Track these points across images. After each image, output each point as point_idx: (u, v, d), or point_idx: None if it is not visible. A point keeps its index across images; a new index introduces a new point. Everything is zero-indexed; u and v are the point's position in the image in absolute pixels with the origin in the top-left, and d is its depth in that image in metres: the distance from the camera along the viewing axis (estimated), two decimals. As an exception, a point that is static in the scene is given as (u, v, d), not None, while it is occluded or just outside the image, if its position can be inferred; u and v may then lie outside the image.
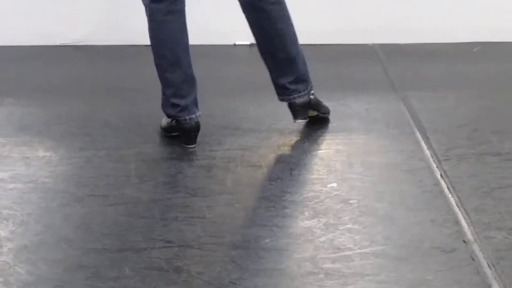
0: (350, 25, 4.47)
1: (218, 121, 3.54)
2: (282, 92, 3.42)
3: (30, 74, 4.05)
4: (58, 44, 4.39)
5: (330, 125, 3.49)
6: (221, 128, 3.46)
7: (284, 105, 3.62)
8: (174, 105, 3.23)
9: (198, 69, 3.60)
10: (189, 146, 3.27)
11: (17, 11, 4.39)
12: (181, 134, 3.29)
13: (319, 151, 3.25)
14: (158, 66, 3.24)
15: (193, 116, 3.24)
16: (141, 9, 4.21)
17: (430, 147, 3.25)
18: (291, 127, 3.45)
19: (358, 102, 3.72)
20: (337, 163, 3.14)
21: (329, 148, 3.29)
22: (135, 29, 4.34)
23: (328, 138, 3.37)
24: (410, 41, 4.47)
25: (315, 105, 3.50)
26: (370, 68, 4.17)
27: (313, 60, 4.21)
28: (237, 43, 4.46)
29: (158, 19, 3.20)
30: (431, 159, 3.15)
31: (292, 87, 3.41)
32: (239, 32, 4.42)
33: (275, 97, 3.69)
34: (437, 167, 3.09)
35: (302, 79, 3.44)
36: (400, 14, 4.49)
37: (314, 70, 4.09)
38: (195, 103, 3.26)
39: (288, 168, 3.09)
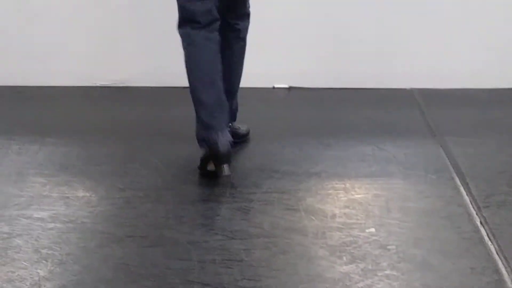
0: (388, 70, 4.49)
1: (256, 163, 3.55)
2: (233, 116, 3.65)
3: (71, 115, 4.10)
4: (99, 85, 4.45)
5: (369, 169, 3.48)
6: (258, 171, 3.47)
7: (320, 149, 3.64)
8: (208, 127, 3.29)
9: (238, 111, 3.64)
10: (225, 173, 3.30)
11: (59, 52, 4.46)
12: (214, 161, 3.31)
13: (357, 196, 3.24)
14: (193, 88, 3.34)
15: (226, 138, 3.30)
16: (180, 52, 4.27)
17: (469, 193, 3.23)
18: (329, 170, 3.45)
19: (397, 146, 3.72)
20: (375, 208, 3.12)
21: (367, 193, 3.28)
22: (174, 72, 4.40)
23: (366, 183, 3.36)
24: (448, 86, 4.47)
25: (231, 135, 3.42)
26: (408, 113, 4.17)
27: (352, 104, 4.25)
28: (276, 86, 4.49)
29: (197, 44, 3.32)
30: (470, 206, 3.13)
31: (234, 114, 3.65)
32: (278, 75, 4.49)
33: (314, 140, 3.72)
34: (476, 213, 3.06)
35: (231, 112, 3.60)
36: (438, 59, 4.50)
37: (353, 113, 4.12)
38: (226, 127, 3.38)
39: (326, 212, 3.08)
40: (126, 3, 4.49)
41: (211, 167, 3.34)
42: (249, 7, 3.58)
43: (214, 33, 3.33)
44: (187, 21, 3.31)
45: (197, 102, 3.33)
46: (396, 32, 4.47)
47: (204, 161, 3.37)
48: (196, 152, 3.37)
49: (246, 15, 3.58)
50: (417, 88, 4.45)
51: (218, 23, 3.33)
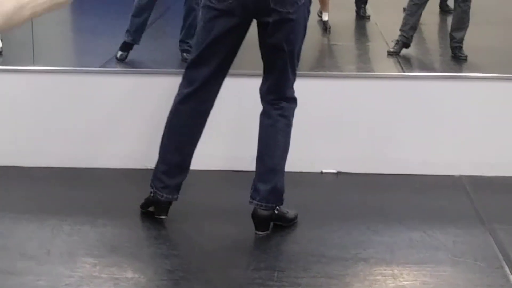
0: (436, 156, 4.49)
1: (304, 248, 3.57)
2: (254, 195, 3.66)
3: (122, 196, 4.15)
4: (150, 167, 4.51)
5: (417, 256, 3.47)
6: (306, 255, 3.48)
7: (368, 235, 3.65)
8: (160, 181, 3.76)
9: (286, 195, 3.68)
10: (160, 216, 3.78)
11: (111, 135, 4.55)
12: (155, 207, 3.81)
13: (406, 283, 3.23)
14: (163, 144, 3.79)
15: (170, 197, 3.77)
16: (231, 137, 4.35)
17: (519, 282, 3.20)
18: (377, 256, 3.45)
19: (445, 234, 3.70)
20: (424, 295, 3.11)
21: (415, 280, 3.26)
22: (222, 156, 4.48)
23: (414, 270, 3.35)
24: (496, 174, 4.46)
25: (278, 218, 3.70)
26: (457, 200, 4.16)
27: (400, 189, 4.25)
28: (324, 171, 4.52)
29: (180, 111, 3.73)
30: (520, 295, 3.10)
31: (264, 194, 3.63)
32: (325, 160, 4.52)
33: (362, 225, 3.73)
34: (526, 303, 3.03)
35: (276, 193, 3.65)
36: (487, 147, 4.50)
37: (401, 199, 4.12)
38: (178, 188, 3.77)
39: (374, 298, 3.08)
40: (175, 88, 4.58)
41: (151, 208, 3.83)
42: (292, 92, 3.66)
43: (202, 104, 3.71)
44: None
45: (161, 157, 3.79)
46: (443, 119, 4.50)
47: (146, 203, 3.85)
48: (245, 234, 3.41)
49: (290, 99, 3.67)
50: (465, 175, 4.44)
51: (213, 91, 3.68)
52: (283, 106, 3.65)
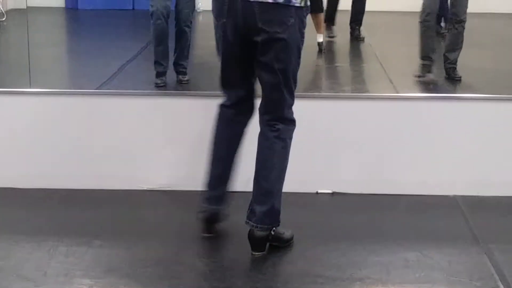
0: (431, 177, 4.51)
1: (299, 268, 3.58)
2: (251, 216, 3.67)
3: (118, 217, 4.17)
4: (145, 188, 4.53)
5: (413, 276, 3.48)
6: (302, 276, 3.49)
7: (364, 255, 3.66)
8: (203, 194, 3.87)
9: (281, 215, 3.69)
10: (205, 234, 3.85)
11: (107, 156, 4.56)
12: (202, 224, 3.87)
13: (401, 302, 3.24)
14: (208, 157, 3.87)
15: (210, 207, 3.82)
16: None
17: (514, 301, 3.22)
18: (373, 276, 3.46)
19: (440, 253, 3.72)
20: (420, 314, 3.12)
21: (411, 299, 3.28)
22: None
23: (410, 289, 3.36)
24: (492, 193, 4.48)
25: (275, 239, 3.71)
26: (452, 220, 4.17)
27: (396, 210, 4.27)
28: (319, 191, 4.54)
29: (218, 124, 3.85)
30: (515, 314, 3.11)
31: (260, 216, 3.65)
32: (321, 180, 4.53)
33: (358, 246, 3.74)
34: (522, 322, 3.04)
35: (272, 214, 3.67)
36: (482, 167, 4.52)
37: (397, 219, 4.14)
38: (218, 199, 3.83)
39: (370, 318, 3.09)
40: (173, 108, 4.61)
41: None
42: (290, 113, 3.68)
43: (240, 115, 3.77)
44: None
45: (207, 168, 3.86)
46: (438, 140, 4.52)
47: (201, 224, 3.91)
48: (243, 256, 3.43)
49: (287, 120, 3.68)
50: (460, 195, 4.46)
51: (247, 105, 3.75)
52: (279, 128, 3.66)
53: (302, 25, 3.56)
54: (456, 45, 5.73)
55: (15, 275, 3.46)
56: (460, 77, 5.64)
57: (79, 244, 3.77)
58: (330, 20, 7.29)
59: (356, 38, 7.33)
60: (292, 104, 3.68)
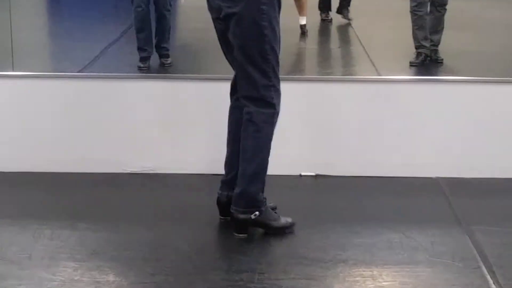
0: (413, 159, 4.54)
1: (284, 250, 3.60)
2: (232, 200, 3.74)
3: (102, 201, 4.17)
4: (129, 171, 4.54)
5: (396, 257, 3.51)
6: (287, 257, 3.51)
7: (348, 237, 3.70)
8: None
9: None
10: (220, 217, 3.86)
11: (90, 140, 4.56)
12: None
13: (385, 283, 3.27)
14: None
15: (220, 192, 3.84)
16: (211, 140, 4.39)
17: (496, 281, 3.25)
18: (356, 258, 3.49)
19: (423, 234, 3.75)
20: (403, 295, 3.15)
21: (394, 280, 3.30)
22: (203, 159, 4.51)
23: (393, 270, 3.39)
24: (473, 175, 4.51)
25: (257, 224, 3.71)
26: (434, 202, 4.21)
27: (378, 192, 4.30)
28: (302, 173, 4.56)
29: (230, 108, 3.84)
30: (497, 294, 3.15)
31: (235, 198, 3.70)
32: (304, 163, 4.56)
33: (341, 228, 3.77)
34: (504, 302, 3.08)
35: (246, 197, 3.67)
36: (464, 149, 4.55)
37: (379, 201, 4.17)
38: (226, 184, 3.81)
39: (354, 299, 3.12)
40: (156, 91, 4.61)
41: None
42: (264, 95, 3.61)
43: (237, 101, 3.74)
44: None
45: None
46: (420, 122, 4.55)
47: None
48: (226, 239, 3.45)
49: (258, 101, 3.62)
50: (442, 177, 4.49)
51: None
52: (251, 111, 3.62)
53: (261, 1, 3.50)
54: (438, 27, 5.77)
55: (-1, 258, 3.47)
56: (442, 59, 5.67)
57: (63, 227, 3.78)
58: (324, 6, 7.30)
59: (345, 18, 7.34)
60: (266, 85, 3.60)
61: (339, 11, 7.39)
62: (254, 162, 3.66)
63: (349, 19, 7.32)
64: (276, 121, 3.67)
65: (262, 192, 3.71)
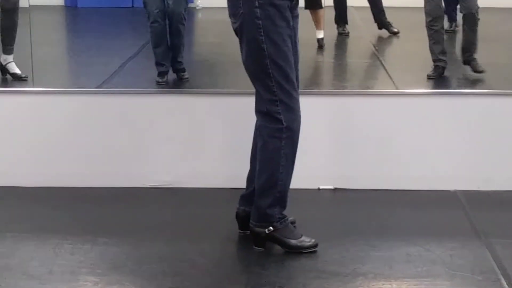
0: (431, 172, 4.54)
1: (302, 264, 3.60)
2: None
3: (122, 215, 4.20)
4: (148, 186, 4.56)
5: (415, 270, 3.51)
6: (305, 271, 3.52)
7: (366, 250, 3.70)
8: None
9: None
10: (239, 231, 3.89)
11: (109, 154, 4.59)
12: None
13: (404, 296, 3.27)
14: None
15: (238, 207, 3.86)
16: (229, 155, 4.42)
17: (516, 294, 3.25)
18: (375, 271, 3.49)
19: (442, 247, 3.74)
20: (422, 308, 3.15)
21: (413, 294, 3.31)
22: (221, 173, 4.53)
23: (412, 284, 3.39)
24: (491, 188, 4.51)
25: (272, 239, 3.70)
26: (453, 214, 4.20)
27: (397, 205, 4.30)
28: (321, 187, 4.56)
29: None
30: (517, 307, 3.14)
31: (252, 211, 3.73)
32: (323, 176, 4.57)
33: (360, 241, 3.78)
34: (523, 315, 3.07)
35: (258, 212, 3.70)
36: (482, 161, 4.55)
37: (398, 214, 4.17)
38: (245, 199, 3.82)
39: (373, 313, 3.12)
40: (174, 106, 4.63)
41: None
42: (270, 110, 3.59)
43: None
44: None
45: None
46: (438, 135, 4.55)
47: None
48: (244, 253, 3.53)
49: (265, 116, 3.62)
50: (461, 190, 4.49)
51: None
52: (260, 124, 3.66)
53: (256, 16, 3.49)
54: (473, 33, 5.74)
55: (20, 273, 3.49)
56: (484, 70, 5.62)
57: (83, 242, 3.80)
58: (341, 19, 7.29)
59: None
60: (271, 100, 3.57)
61: (380, 26, 7.34)
62: (262, 177, 3.67)
63: (394, 32, 7.27)
64: (288, 136, 3.62)
65: (279, 207, 3.68)
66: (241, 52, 3.63)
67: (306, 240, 3.70)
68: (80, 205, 4.33)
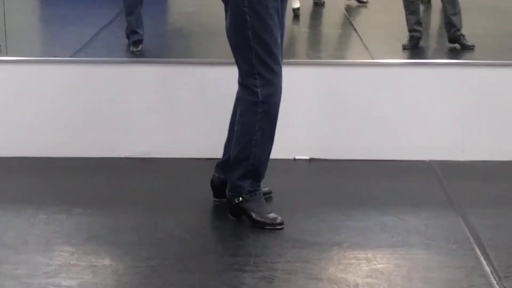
0: (407, 142, 4.56)
1: (279, 234, 3.61)
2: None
3: (97, 185, 4.18)
4: (123, 156, 4.54)
5: (390, 240, 3.53)
6: (282, 241, 3.53)
7: (342, 220, 3.72)
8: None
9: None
10: (214, 199, 3.89)
11: (86, 124, 4.57)
12: None
13: (379, 266, 3.28)
14: None
15: (216, 175, 3.86)
16: (206, 125, 4.40)
17: (490, 263, 3.27)
18: (350, 241, 3.51)
19: (417, 217, 3.77)
20: (397, 277, 3.17)
21: (388, 263, 3.32)
22: (197, 143, 4.52)
23: (387, 253, 3.41)
24: (466, 158, 4.53)
25: (241, 210, 3.68)
26: (428, 184, 4.23)
27: (372, 175, 4.32)
28: (297, 157, 4.57)
29: None
30: (491, 276, 3.17)
31: (228, 180, 3.73)
32: (298, 146, 4.57)
33: (335, 211, 3.79)
34: (497, 283, 3.10)
35: (230, 181, 3.70)
36: (457, 132, 4.57)
37: (373, 185, 4.19)
38: (220, 167, 3.83)
39: (349, 282, 3.13)
40: (149, 76, 4.61)
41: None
42: (247, 82, 3.57)
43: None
44: None
45: None
46: (414, 105, 4.56)
47: None
48: (222, 224, 3.54)
49: (243, 87, 3.60)
50: (435, 160, 4.51)
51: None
52: (238, 96, 3.66)
53: None
54: (453, 10, 5.70)
55: (-5, 243, 3.48)
56: (473, 45, 5.60)
57: (59, 212, 3.79)
58: None
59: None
60: (250, 73, 3.55)
61: None
62: (236, 148, 3.66)
63: (362, 1, 7.27)
64: (264, 111, 3.58)
65: (252, 180, 3.66)
66: (225, 20, 3.60)
67: (270, 217, 3.65)
68: (55, 175, 4.31)
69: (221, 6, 3.63)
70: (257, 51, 3.52)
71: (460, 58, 4.95)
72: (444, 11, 5.83)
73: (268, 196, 3.86)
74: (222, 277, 3.18)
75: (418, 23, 5.74)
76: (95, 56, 5.11)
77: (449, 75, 4.62)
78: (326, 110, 4.56)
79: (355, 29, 6.35)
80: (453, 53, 5.61)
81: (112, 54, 5.50)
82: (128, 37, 5.62)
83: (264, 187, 3.79)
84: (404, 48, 5.68)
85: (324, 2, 7.33)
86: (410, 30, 5.73)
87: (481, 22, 6.56)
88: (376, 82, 4.58)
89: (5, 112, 4.57)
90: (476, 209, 3.86)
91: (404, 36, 5.81)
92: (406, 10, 5.76)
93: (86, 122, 4.56)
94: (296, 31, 6.58)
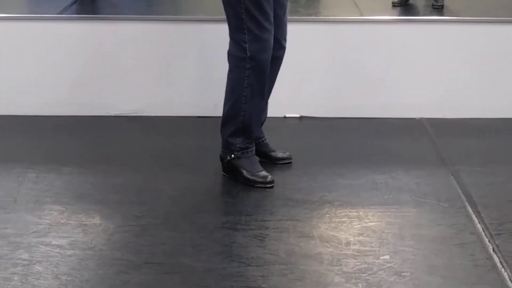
0: (398, 100, 4.54)
1: (270, 192, 3.60)
2: None
3: (86, 144, 4.16)
4: (113, 114, 4.51)
5: (381, 198, 3.53)
6: (273, 199, 3.52)
7: (333, 178, 3.71)
8: None
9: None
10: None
11: (74, 83, 4.53)
12: None
13: (371, 223, 3.28)
14: None
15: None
16: (195, 83, 4.36)
17: (481, 221, 3.28)
18: (342, 199, 3.50)
19: (408, 175, 3.76)
20: (389, 235, 3.17)
21: (380, 221, 3.32)
22: (187, 101, 4.49)
23: (379, 211, 3.40)
24: (457, 116, 4.53)
25: (232, 168, 3.66)
26: (419, 142, 4.22)
27: (363, 133, 4.30)
28: (287, 115, 4.55)
29: None
30: (482, 233, 3.17)
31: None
32: (289, 105, 4.54)
33: (326, 169, 3.78)
34: (489, 241, 3.10)
35: (222, 138, 3.67)
36: (448, 89, 4.56)
37: (364, 143, 4.18)
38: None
39: (340, 239, 3.13)
40: (139, 33, 4.56)
41: None
42: (235, 35, 3.54)
43: None
44: None
45: None
46: (403, 63, 4.54)
47: None
48: (213, 182, 3.52)
49: (232, 40, 3.57)
50: (426, 117, 4.50)
51: None
52: (228, 51, 3.61)
53: None
54: None
55: (-16, 202, 3.46)
56: (442, 5, 5.57)
57: (48, 171, 3.77)
58: None
59: None
60: (239, 27, 3.50)
61: None
62: (226, 105, 3.64)
63: None
64: (252, 67, 3.54)
65: (243, 138, 3.65)
66: None
67: (261, 175, 3.64)
68: (44, 134, 4.28)
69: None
70: (247, 5, 3.48)
71: (449, 15, 4.90)
72: None
73: (286, 161, 3.86)
74: (213, 236, 3.17)
75: None
76: (84, 13, 5.04)
77: (439, 32, 4.60)
78: (316, 68, 4.54)
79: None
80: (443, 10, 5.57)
81: (100, 11, 5.42)
82: None
83: (284, 152, 3.80)
84: (394, 5, 5.63)
85: None
86: None
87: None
88: (366, 39, 4.55)
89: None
90: (467, 167, 3.86)
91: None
92: None
93: (74, 80, 4.52)
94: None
